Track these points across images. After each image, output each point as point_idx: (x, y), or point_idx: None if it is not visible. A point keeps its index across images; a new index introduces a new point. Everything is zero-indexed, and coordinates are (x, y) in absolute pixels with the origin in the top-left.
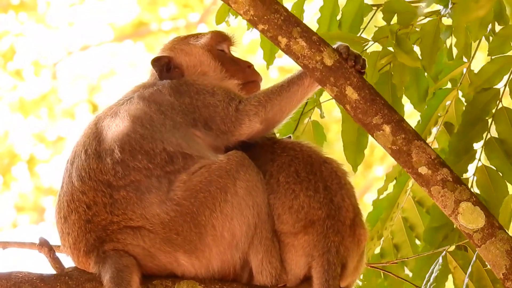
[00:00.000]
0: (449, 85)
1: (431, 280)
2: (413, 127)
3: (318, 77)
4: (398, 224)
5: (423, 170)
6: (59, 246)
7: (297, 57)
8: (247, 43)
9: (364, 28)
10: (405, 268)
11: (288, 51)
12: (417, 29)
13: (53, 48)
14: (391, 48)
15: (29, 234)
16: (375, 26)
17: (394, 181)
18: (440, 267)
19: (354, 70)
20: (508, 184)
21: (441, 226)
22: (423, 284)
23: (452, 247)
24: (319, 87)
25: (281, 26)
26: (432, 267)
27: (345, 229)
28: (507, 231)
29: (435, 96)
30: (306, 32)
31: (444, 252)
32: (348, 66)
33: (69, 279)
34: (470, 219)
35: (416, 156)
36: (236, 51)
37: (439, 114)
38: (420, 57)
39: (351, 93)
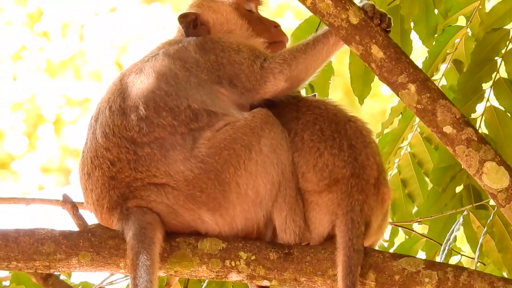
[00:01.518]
0: (459, 23)
1: (451, 239)
2: (421, 63)
3: (344, 35)
4: (406, 159)
5: (448, 129)
6: (82, 203)
7: (323, 15)
8: (275, 6)
9: None
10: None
11: (313, 9)
12: None
13: (80, 10)
14: None
15: (55, 196)
16: None
17: (400, 116)
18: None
19: (380, 29)
20: None
21: (449, 166)
22: (443, 243)
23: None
24: (345, 45)
25: None
26: (453, 226)
27: (369, 187)
28: None
29: (444, 33)
30: None
31: (466, 211)
32: (374, 25)
33: (92, 235)
34: (494, 179)
35: (441, 115)
36: (264, 11)
37: (448, 51)
38: None
39: (377, 52)
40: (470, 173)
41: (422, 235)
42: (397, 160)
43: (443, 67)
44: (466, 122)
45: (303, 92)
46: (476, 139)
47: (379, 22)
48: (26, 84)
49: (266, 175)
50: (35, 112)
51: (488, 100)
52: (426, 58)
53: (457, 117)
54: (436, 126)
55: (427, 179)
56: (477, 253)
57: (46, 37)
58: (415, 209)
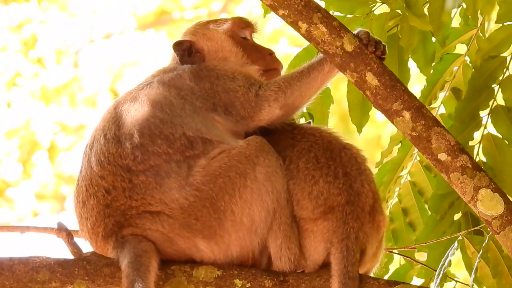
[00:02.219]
0: (457, 50)
1: (446, 264)
2: (420, 91)
3: (338, 62)
4: (406, 188)
5: (442, 156)
6: (77, 231)
7: (318, 42)
8: (270, 32)
9: None
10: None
11: (308, 36)
12: None
13: (75, 36)
14: (399, 11)
15: (50, 223)
16: None
17: (399, 144)
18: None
19: (375, 56)
20: None
21: (447, 193)
22: (438, 268)
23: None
24: (339, 73)
25: (301, 11)
26: (448, 251)
27: (364, 215)
28: None
29: (442, 61)
30: (326, 17)
31: (460, 236)
32: (369, 52)
33: (87, 264)
34: (489, 205)
35: (435, 142)
36: (259, 39)
37: (446, 79)
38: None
39: (371, 79)
40: (465, 200)
41: (417, 261)
42: (397, 189)
43: (441, 95)
44: (461, 149)
45: (301, 120)
46: (470, 166)
47: (373, 49)
48: (20, 111)
49: (261, 202)
50: (29, 139)
51: (485, 127)
52: (424, 86)
53: (452, 144)
54: (431, 153)
55: (427, 207)
56: (472, 276)
57: (41, 64)
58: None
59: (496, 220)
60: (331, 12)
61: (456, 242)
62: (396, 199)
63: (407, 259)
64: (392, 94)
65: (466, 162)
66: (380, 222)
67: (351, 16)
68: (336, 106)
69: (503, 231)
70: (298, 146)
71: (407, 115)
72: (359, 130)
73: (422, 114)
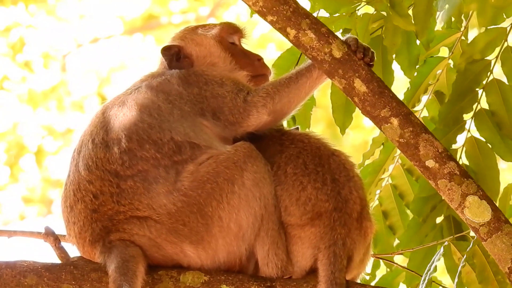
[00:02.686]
0: (441, 54)
1: (431, 269)
2: (403, 94)
3: (327, 69)
4: (387, 190)
5: (430, 163)
6: (64, 236)
7: (306, 49)
8: (258, 38)
9: None
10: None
11: (296, 43)
12: None
13: (63, 41)
14: (384, 12)
15: (37, 227)
16: None
17: (381, 147)
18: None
19: (363, 63)
20: (497, 156)
21: (429, 196)
22: (424, 273)
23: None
24: (328, 79)
25: (290, 17)
26: (434, 257)
27: (352, 221)
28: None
29: (426, 64)
30: (315, 24)
31: (446, 242)
32: (357, 59)
33: (74, 268)
34: (476, 212)
35: (423, 149)
36: (247, 44)
37: (429, 82)
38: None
39: (360, 86)
40: (452, 207)
41: (403, 267)
42: (378, 191)
43: (424, 98)
44: (449, 156)
45: (285, 124)
46: (458, 173)
47: (362, 56)
48: (8, 115)
49: (249, 208)
50: (17, 142)
51: (469, 131)
52: (408, 89)
53: (440, 151)
54: (418, 160)
55: (408, 211)
56: (456, 280)
57: (28, 68)
58: (396, 241)
59: (483, 227)
60: (316, 14)
61: (441, 248)
62: (376, 202)
63: (391, 264)
64: (380, 101)
65: (454, 169)
66: (367, 229)
67: (336, 15)
68: (323, 112)
69: (490, 238)
70: (286, 152)
71: (395, 121)
72: (342, 131)
73: (410, 120)
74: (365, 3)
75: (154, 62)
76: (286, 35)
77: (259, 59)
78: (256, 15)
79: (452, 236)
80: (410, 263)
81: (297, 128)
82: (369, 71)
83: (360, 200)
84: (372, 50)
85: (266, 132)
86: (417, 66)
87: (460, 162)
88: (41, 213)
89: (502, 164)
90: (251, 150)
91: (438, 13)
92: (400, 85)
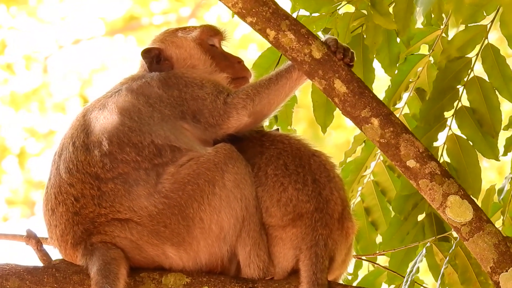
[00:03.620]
0: (422, 51)
1: (414, 270)
2: (384, 91)
3: (307, 70)
4: (369, 187)
5: (411, 163)
6: (46, 239)
7: (286, 50)
8: (239, 38)
9: None
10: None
11: (276, 44)
12: None
13: (44, 42)
14: (364, 11)
15: (20, 228)
16: None
17: (363, 144)
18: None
19: (343, 63)
20: (478, 154)
21: (411, 194)
22: (406, 275)
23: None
24: (308, 80)
25: (269, 19)
26: (416, 258)
27: (333, 222)
28: (494, 224)
29: (407, 62)
30: (294, 25)
31: (428, 243)
32: (337, 59)
33: (56, 271)
34: (458, 212)
35: (404, 149)
36: (227, 46)
37: (410, 80)
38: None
39: (340, 86)
40: (433, 206)
41: (385, 267)
42: (360, 188)
43: (405, 95)
44: (430, 156)
45: (267, 123)
46: (439, 173)
47: (342, 56)
48: None
49: (230, 210)
50: None
51: (450, 128)
52: (388, 86)
53: (421, 151)
54: (399, 160)
55: (390, 207)
56: (439, 282)
57: (10, 70)
58: (378, 237)
59: (465, 226)
60: (296, 14)
61: (424, 249)
62: (359, 199)
63: (372, 264)
64: (360, 101)
65: (435, 169)
66: (349, 229)
67: (317, 15)
68: (305, 112)
69: (472, 237)
70: (267, 153)
71: (375, 122)
72: (324, 130)
73: (390, 121)
74: (346, 2)
75: (135, 63)
76: (266, 36)
77: (239, 61)
78: (238, 21)
79: (434, 237)
80: (391, 261)
81: (278, 129)
82: (349, 72)
83: (341, 200)
84: (352, 50)
85: (247, 134)
86: (397, 64)
87: (442, 160)
88: (24, 215)
89: (484, 163)
90: (231, 152)
91: (417, 8)
92: (381, 83)
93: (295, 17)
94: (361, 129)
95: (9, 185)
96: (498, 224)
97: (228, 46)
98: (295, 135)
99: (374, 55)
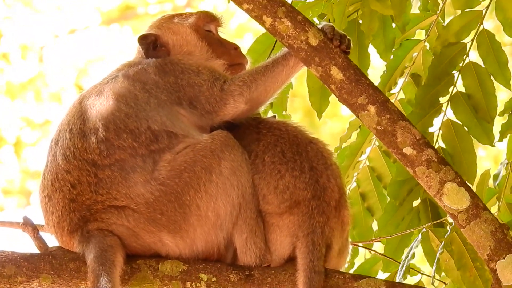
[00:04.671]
0: (417, 37)
1: (409, 256)
2: (380, 77)
3: (303, 57)
4: (364, 173)
5: (408, 150)
6: (43, 226)
7: (282, 37)
8: (235, 27)
9: None
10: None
11: (273, 31)
12: None
13: (40, 32)
14: None
15: (16, 218)
16: None
17: (358, 130)
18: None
19: (339, 50)
20: (474, 141)
21: (406, 180)
22: (402, 260)
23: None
24: (304, 67)
25: (266, 5)
26: (412, 244)
27: (330, 209)
28: (490, 210)
29: (402, 47)
30: (291, 11)
31: (424, 229)
32: (333, 46)
33: (52, 258)
34: (455, 199)
35: (401, 136)
36: (224, 33)
37: (406, 65)
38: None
39: (336, 73)
40: (430, 194)
41: (381, 254)
42: (355, 174)
43: (401, 81)
44: (426, 143)
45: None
46: (436, 160)
47: (338, 43)
48: None
49: (227, 197)
50: None
51: (445, 114)
52: (384, 72)
53: (417, 138)
54: (396, 147)
55: (386, 193)
56: (434, 267)
57: (6, 59)
58: (374, 223)
59: (461, 214)
60: (291, 0)
61: (419, 235)
62: (354, 184)
63: (368, 250)
64: (357, 88)
65: (432, 156)
66: (345, 217)
67: (313, 0)
68: (301, 101)
69: (469, 225)
70: (263, 141)
71: (372, 109)
72: (319, 115)
73: (387, 108)
74: None
75: (131, 52)
76: (262, 23)
77: (236, 48)
78: (233, 4)
79: (430, 223)
80: (387, 247)
81: (274, 116)
82: (345, 59)
83: (338, 188)
84: (348, 37)
85: (243, 121)
86: (393, 49)
87: (437, 146)
88: (20, 205)
89: (480, 152)
90: (228, 139)
91: None
92: (376, 72)
93: (291, 2)
94: (357, 116)
95: (5, 175)
96: (494, 209)
97: (224, 33)
98: (292, 122)
99: (370, 41)
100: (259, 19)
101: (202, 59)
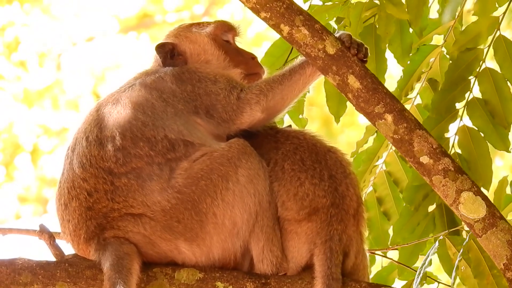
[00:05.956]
0: (434, 42)
1: (426, 263)
2: (397, 82)
3: (320, 65)
4: (381, 177)
5: (424, 159)
6: (59, 233)
7: (300, 45)
8: (252, 36)
9: None
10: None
11: (290, 39)
12: None
13: (57, 39)
14: (376, 1)
15: (32, 225)
16: None
17: (375, 135)
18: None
19: (357, 59)
20: (490, 145)
21: (421, 185)
22: (419, 267)
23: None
24: (321, 75)
25: (283, 14)
26: (429, 251)
27: (348, 218)
28: (506, 220)
29: (419, 52)
30: (308, 20)
31: (441, 236)
32: (351, 55)
33: (69, 266)
34: (471, 209)
35: (417, 145)
36: (241, 42)
37: (423, 70)
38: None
39: (353, 82)
40: (447, 203)
41: (397, 262)
42: (372, 178)
43: (418, 86)
44: (443, 152)
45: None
46: (453, 169)
47: (356, 52)
48: (3, 114)
49: (243, 205)
50: (12, 141)
51: (461, 119)
52: (401, 77)
53: (434, 147)
54: (413, 156)
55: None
56: (453, 274)
57: (23, 67)
58: (390, 227)
59: (478, 223)
60: (309, 3)
61: (436, 242)
62: (371, 189)
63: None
64: (374, 97)
65: (448, 165)
66: (362, 227)
67: (330, 4)
68: (318, 110)
69: (485, 234)
70: (282, 149)
71: (389, 118)
72: (337, 120)
73: (404, 117)
74: None
75: (149, 60)
76: (280, 31)
77: (253, 57)
78: (250, 12)
79: (446, 231)
80: (401, 253)
81: (290, 126)
82: (362, 67)
83: (357, 197)
84: (366, 46)
85: (260, 130)
86: (410, 54)
87: (453, 151)
88: (36, 212)
89: (497, 162)
90: (245, 147)
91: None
92: (392, 81)
93: (308, 6)
94: (374, 125)
95: (21, 182)
96: (511, 216)
97: (241, 42)
98: (309, 131)
99: (387, 45)
100: (276, 27)
101: (219, 68)
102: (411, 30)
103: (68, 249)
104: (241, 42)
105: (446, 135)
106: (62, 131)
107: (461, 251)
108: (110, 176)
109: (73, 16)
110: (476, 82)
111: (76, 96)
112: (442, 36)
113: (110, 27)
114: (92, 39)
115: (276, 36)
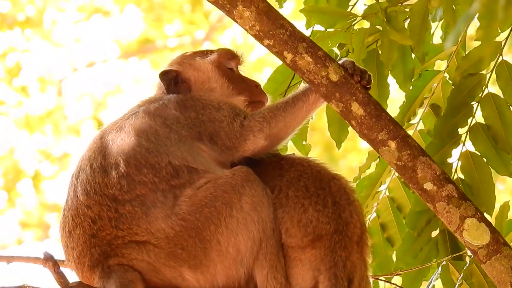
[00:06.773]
0: (436, 67)
1: None
2: (399, 107)
3: (324, 92)
4: (384, 203)
5: (428, 186)
6: (63, 261)
7: (303, 72)
8: (254, 61)
9: (353, 6)
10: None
11: (293, 66)
12: (406, 9)
13: (58, 65)
14: (379, 27)
15: (34, 251)
16: (364, 4)
17: (377, 160)
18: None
19: (360, 86)
20: (492, 170)
21: (424, 210)
22: None
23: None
24: (325, 102)
25: (286, 41)
26: (432, 276)
27: (352, 244)
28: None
29: (421, 77)
30: (311, 47)
31: (444, 261)
32: (354, 82)
33: None
34: (475, 235)
35: (421, 172)
36: (244, 70)
37: (425, 96)
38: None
39: (357, 109)
40: (450, 229)
41: (400, 287)
42: (375, 204)
43: (420, 111)
44: (447, 179)
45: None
46: (456, 195)
47: (359, 79)
48: (4, 139)
49: (247, 232)
50: (14, 167)
51: (464, 144)
52: (403, 102)
53: (438, 173)
54: (416, 182)
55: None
56: None
57: (25, 92)
58: (394, 253)
59: (482, 249)
60: (311, 29)
61: (439, 267)
62: (374, 215)
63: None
64: (377, 124)
65: (452, 192)
66: (366, 254)
67: (332, 30)
68: (319, 136)
69: (489, 260)
70: (287, 176)
71: (392, 144)
72: (338, 145)
73: (407, 143)
74: (361, 18)
75: (150, 86)
76: (283, 58)
77: (257, 85)
78: (251, 37)
79: (449, 256)
80: (404, 278)
81: (293, 154)
82: (366, 94)
83: (361, 224)
84: (369, 73)
85: (264, 157)
86: (412, 80)
87: (455, 177)
88: (38, 238)
89: (499, 186)
90: (248, 174)
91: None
92: (394, 106)
93: (310, 33)
94: (378, 151)
95: (23, 207)
96: None
97: (244, 71)
98: (314, 158)
99: (389, 71)
100: (279, 54)
101: (223, 95)
102: (413, 55)
103: (72, 276)
104: (243, 70)
105: (449, 160)
106: (63, 156)
107: (461, 275)
108: (114, 203)
109: (73, 41)
110: (479, 108)
111: (77, 122)
112: (445, 61)
113: (111, 52)
114: (93, 65)
115: (278, 61)
